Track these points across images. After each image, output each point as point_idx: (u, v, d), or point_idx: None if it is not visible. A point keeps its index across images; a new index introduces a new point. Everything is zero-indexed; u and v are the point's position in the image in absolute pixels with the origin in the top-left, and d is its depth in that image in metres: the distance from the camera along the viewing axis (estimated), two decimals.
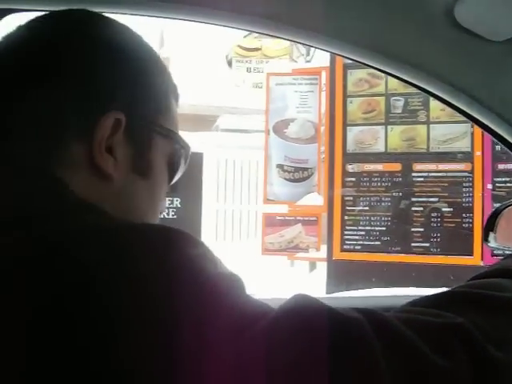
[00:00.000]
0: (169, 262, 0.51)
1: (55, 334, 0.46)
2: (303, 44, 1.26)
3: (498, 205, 1.45)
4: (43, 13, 0.71)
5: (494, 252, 3.91)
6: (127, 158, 0.66)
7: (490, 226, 1.38)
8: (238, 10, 1.05)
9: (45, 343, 0.46)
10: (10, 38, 0.68)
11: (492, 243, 1.39)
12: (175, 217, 6.51)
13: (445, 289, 0.65)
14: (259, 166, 7.76)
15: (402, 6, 1.02)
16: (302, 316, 0.51)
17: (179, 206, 6.58)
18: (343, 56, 1.19)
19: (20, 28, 0.68)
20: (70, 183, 0.61)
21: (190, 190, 6.60)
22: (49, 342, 0.46)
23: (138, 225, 0.60)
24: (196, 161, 6.73)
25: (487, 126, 1.20)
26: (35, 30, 0.67)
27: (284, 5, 1.04)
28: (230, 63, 11.51)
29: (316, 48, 1.25)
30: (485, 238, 1.41)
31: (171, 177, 0.74)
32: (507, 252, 0.96)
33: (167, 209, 6.53)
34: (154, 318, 0.47)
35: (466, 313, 0.58)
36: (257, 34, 9.11)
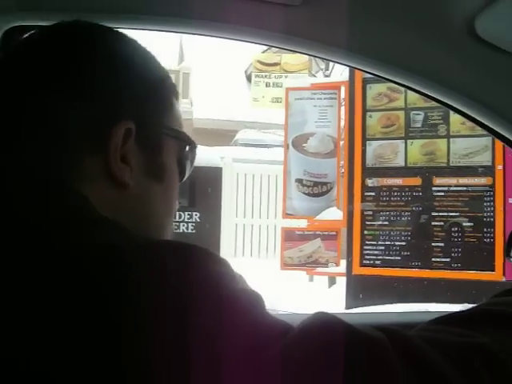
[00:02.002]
0: (190, 278, 0.51)
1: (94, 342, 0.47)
2: (323, 58, 1.27)
3: None
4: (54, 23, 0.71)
5: None
6: (140, 164, 0.67)
7: None
8: (259, 25, 1.05)
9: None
10: (22, 48, 0.69)
11: None
12: (194, 231, 6.52)
13: (466, 304, 0.64)
14: (278, 181, 7.76)
15: (423, 21, 1.02)
16: (324, 335, 0.50)
17: (198, 220, 6.59)
18: (363, 70, 1.19)
19: (27, 41, 0.70)
20: (90, 197, 0.61)
21: (209, 204, 6.62)
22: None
23: (161, 241, 0.60)
24: (215, 175, 6.75)
25: (509, 140, 1.19)
26: (43, 43, 0.68)
27: (303, 20, 1.04)
28: (249, 78, 11.56)
29: (336, 62, 1.26)
30: (507, 254, 1.39)
31: (182, 176, 0.75)
32: None
33: (186, 223, 6.55)
34: (174, 333, 0.47)
35: (491, 332, 0.57)
36: (276, 49, 9.14)
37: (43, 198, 0.58)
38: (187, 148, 0.74)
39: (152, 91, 0.70)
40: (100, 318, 0.47)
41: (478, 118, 1.18)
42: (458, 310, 0.63)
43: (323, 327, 0.51)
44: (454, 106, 1.17)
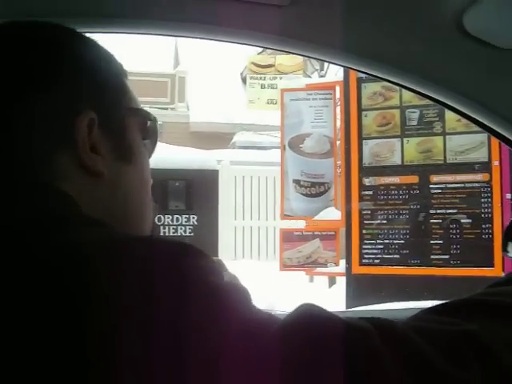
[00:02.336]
0: (176, 273, 0.51)
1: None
2: (315, 58, 1.27)
3: None
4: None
5: None
6: (109, 150, 0.69)
7: (509, 235, 1.37)
8: (249, 26, 1.05)
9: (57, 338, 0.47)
10: None
11: (511, 253, 1.37)
12: (192, 234, 6.53)
13: None
14: (276, 182, 7.77)
15: (412, 18, 1.03)
16: (310, 325, 0.50)
17: (196, 223, 6.60)
18: (355, 69, 1.19)
19: None
20: (68, 191, 0.62)
21: (207, 207, 6.63)
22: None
23: (139, 237, 0.61)
24: (211, 178, 6.76)
25: (502, 135, 1.19)
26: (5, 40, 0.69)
27: (293, 20, 1.04)
28: (244, 80, 11.58)
29: (327, 62, 1.26)
30: (504, 249, 1.39)
31: (150, 151, 0.77)
32: None
33: (184, 226, 6.58)
34: (164, 329, 0.47)
35: (480, 320, 0.57)
36: (270, 51, 9.15)
37: (20, 198, 0.59)
38: (148, 123, 0.76)
39: (107, 80, 0.72)
40: (68, 316, 0.47)
41: (471, 114, 1.18)
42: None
43: (310, 317, 0.52)
44: (447, 102, 1.17)
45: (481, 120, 1.17)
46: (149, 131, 0.76)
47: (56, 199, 0.61)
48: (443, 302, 0.62)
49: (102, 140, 0.68)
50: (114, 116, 0.71)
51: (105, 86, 0.71)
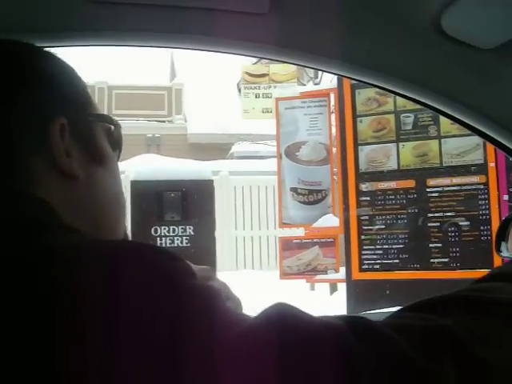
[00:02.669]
0: (147, 275, 0.51)
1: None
2: (299, 65, 1.28)
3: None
4: None
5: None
6: (82, 153, 0.72)
7: (501, 235, 1.37)
8: (237, 36, 1.06)
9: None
10: None
11: (504, 253, 1.38)
12: (189, 245, 6.53)
13: None
14: (275, 191, 7.78)
15: (391, 22, 1.03)
16: (280, 324, 0.51)
17: (192, 233, 6.60)
18: (340, 75, 1.20)
19: None
20: (46, 197, 0.64)
21: (203, 217, 6.63)
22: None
23: (109, 241, 0.63)
24: (206, 188, 6.77)
25: (488, 134, 1.19)
26: None
27: (274, 27, 1.05)
28: (240, 90, 11.59)
29: (311, 68, 1.26)
30: (497, 248, 1.40)
31: (117, 156, 0.81)
32: None
33: (180, 237, 6.59)
34: (136, 334, 0.47)
35: (456, 315, 0.58)
36: (265, 60, 9.18)
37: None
38: (112, 128, 0.80)
39: (71, 89, 0.76)
40: (40, 316, 0.48)
41: (456, 116, 1.18)
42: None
43: (282, 314, 0.52)
44: (432, 105, 1.18)
45: (465, 120, 1.18)
46: (114, 136, 0.80)
47: (32, 206, 0.63)
48: (421, 299, 0.63)
49: (74, 144, 0.71)
50: (81, 122, 0.74)
51: (70, 94, 0.74)
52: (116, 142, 0.81)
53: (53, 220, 0.62)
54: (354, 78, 1.18)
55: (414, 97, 1.18)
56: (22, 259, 0.52)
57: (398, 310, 0.62)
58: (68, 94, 0.74)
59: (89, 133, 0.75)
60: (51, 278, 0.50)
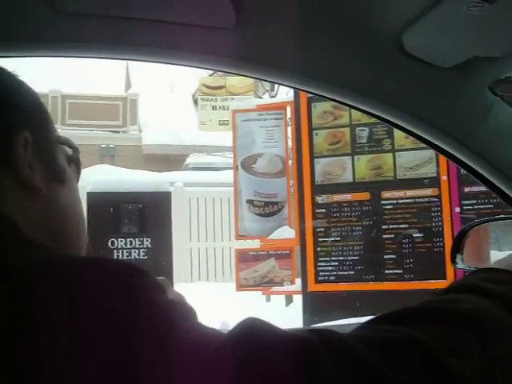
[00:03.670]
0: (123, 292, 0.51)
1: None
2: (264, 80, 1.28)
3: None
4: None
5: (466, 274, 3.95)
6: (43, 170, 0.72)
7: (456, 247, 1.40)
8: (202, 50, 1.06)
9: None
10: None
11: (459, 264, 1.40)
12: (146, 257, 6.48)
13: None
14: (231, 203, 7.78)
15: (355, 39, 1.05)
16: (252, 338, 0.51)
17: (150, 246, 6.55)
18: (299, 89, 1.21)
19: None
20: (8, 210, 0.64)
21: (160, 229, 6.59)
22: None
23: (92, 257, 0.62)
24: (164, 200, 6.74)
25: (446, 150, 1.22)
26: None
27: (240, 42, 1.06)
28: (196, 102, 11.59)
29: (275, 83, 1.27)
30: (452, 260, 1.42)
31: (76, 176, 0.82)
32: None
33: (137, 249, 6.53)
34: (108, 351, 0.47)
35: (422, 326, 0.59)
36: (221, 73, 9.20)
37: None
38: (71, 151, 0.81)
39: (35, 107, 0.77)
40: (10, 335, 0.48)
41: (415, 132, 1.21)
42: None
43: (252, 330, 0.52)
44: (393, 120, 1.20)
45: (424, 136, 1.20)
46: (72, 159, 0.81)
47: None
48: (388, 311, 0.64)
49: (36, 159, 0.71)
50: (43, 139, 0.74)
51: (35, 114, 0.75)
52: (75, 165, 0.81)
53: (15, 234, 0.62)
54: (314, 92, 1.19)
55: (371, 111, 1.20)
56: None
57: (365, 323, 0.63)
58: (29, 110, 0.75)
59: (50, 152, 0.76)
60: (12, 296, 0.50)
